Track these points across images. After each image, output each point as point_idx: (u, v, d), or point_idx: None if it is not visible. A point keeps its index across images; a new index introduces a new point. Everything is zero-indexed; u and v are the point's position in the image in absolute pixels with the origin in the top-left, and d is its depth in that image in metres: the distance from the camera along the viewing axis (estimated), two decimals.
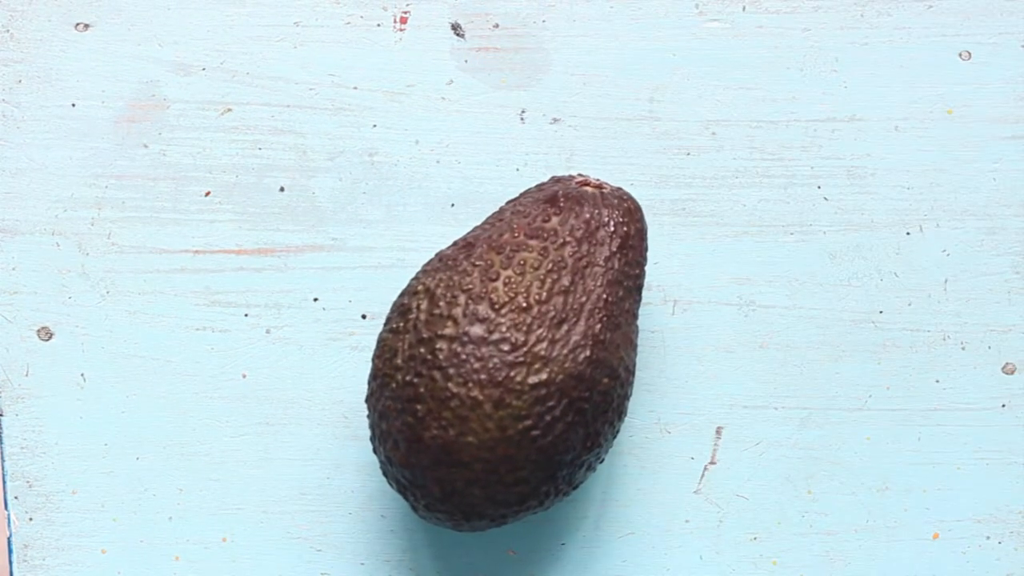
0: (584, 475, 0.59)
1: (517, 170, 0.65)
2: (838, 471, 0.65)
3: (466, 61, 0.66)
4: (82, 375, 0.65)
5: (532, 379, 0.56)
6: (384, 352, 0.58)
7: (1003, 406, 0.65)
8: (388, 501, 0.65)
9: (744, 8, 0.66)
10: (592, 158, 0.65)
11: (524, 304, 0.57)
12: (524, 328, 0.57)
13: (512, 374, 0.56)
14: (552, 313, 0.57)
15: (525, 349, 0.56)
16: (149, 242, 0.65)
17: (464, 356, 0.56)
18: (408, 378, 0.57)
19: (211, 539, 0.64)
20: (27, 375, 0.65)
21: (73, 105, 0.65)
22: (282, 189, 0.65)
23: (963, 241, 0.65)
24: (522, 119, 0.65)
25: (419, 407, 0.57)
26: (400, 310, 0.58)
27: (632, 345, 0.59)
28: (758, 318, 0.65)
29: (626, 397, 0.59)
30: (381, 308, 0.65)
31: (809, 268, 0.65)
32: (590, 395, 0.57)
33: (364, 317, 0.65)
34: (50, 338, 0.65)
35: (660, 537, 0.65)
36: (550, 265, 0.57)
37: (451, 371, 0.56)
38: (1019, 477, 0.65)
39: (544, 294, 0.57)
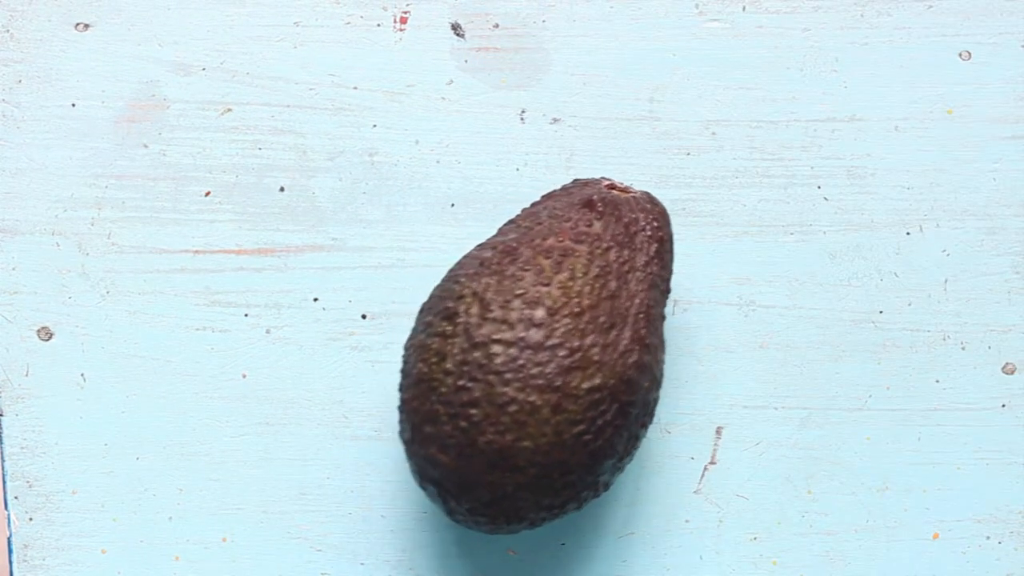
0: (616, 477, 0.59)
1: (517, 170, 0.65)
2: (838, 471, 0.65)
3: (466, 61, 0.66)
4: (82, 375, 0.65)
5: (586, 384, 0.56)
6: (429, 356, 0.58)
7: (1003, 406, 0.65)
8: (388, 501, 0.65)
9: (744, 8, 0.66)
10: (592, 158, 0.65)
11: (577, 309, 0.57)
12: (579, 333, 0.57)
13: (569, 379, 0.56)
14: (602, 318, 0.57)
15: (580, 354, 0.56)
16: (149, 242, 0.65)
17: (522, 361, 0.56)
18: (461, 383, 0.57)
19: (211, 539, 0.64)
20: (27, 375, 0.65)
21: (73, 105, 0.65)
22: (282, 189, 0.65)
23: (963, 241, 0.65)
24: (522, 119, 0.65)
25: (474, 411, 0.56)
26: (445, 314, 0.58)
27: (664, 349, 0.60)
28: (758, 318, 0.65)
29: (657, 400, 0.59)
30: (381, 308, 0.65)
31: (809, 268, 0.65)
32: (635, 399, 0.58)
33: (364, 317, 0.65)
34: (50, 338, 0.65)
35: (660, 537, 0.65)
36: (597, 270, 0.58)
37: (508, 376, 0.56)
38: (1019, 477, 0.65)
39: (595, 299, 0.57)
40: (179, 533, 0.64)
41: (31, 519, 0.64)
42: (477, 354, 0.57)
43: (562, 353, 0.56)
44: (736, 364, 0.65)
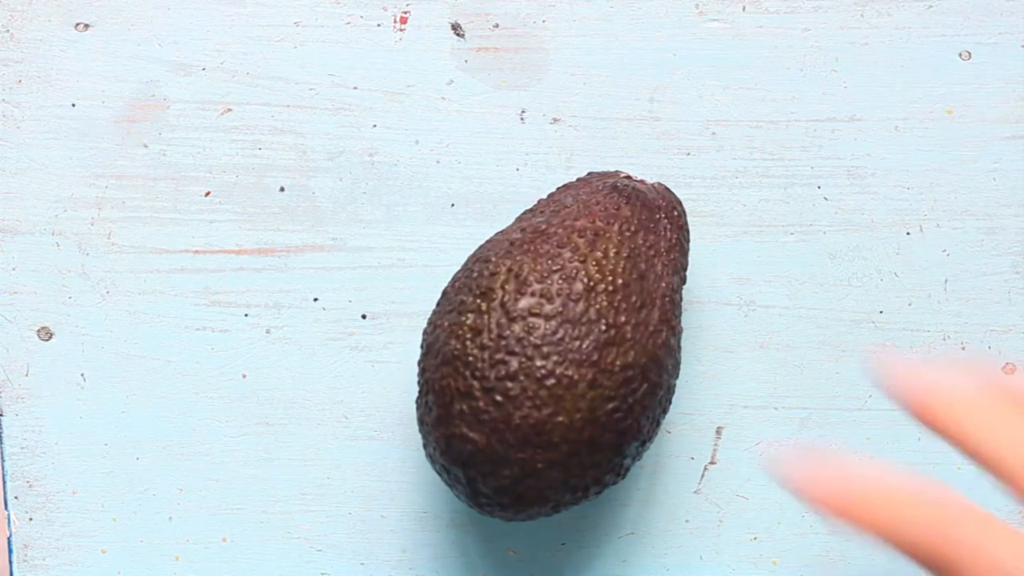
0: (635, 464, 0.60)
1: (517, 170, 0.65)
2: None
3: (466, 61, 0.66)
4: (82, 375, 0.65)
5: (620, 361, 0.57)
6: (464, 332, 0.58)
7: None
8: (388, 501, 0.65)
9: (744, 8, 0.66)
10: (592, 158, 0.65)
11: (612, 287, 0.57)
12: (614, 309, 0.57)
13: (605, 354, 0.57)
14: (633, 297, 0.58)
15: (616, 330, 0.57)
16: (149, 242, 0.65)
17: (561, 334, 0.57)
18: (499, 356, 0.57)
19: (211, 539, 0.64)
20: (27, 375, 0.65)
21: (73, 105, 0.65)
22: (282, 189, 0.65)
23: (963, 241, 0.65)
24: (522, 119, 0.65)
25: (511, 385, 0.56)
26: (479, 291, 0.58)
27: (681, 334, 0.60)
28: (758, 318, 0.65)
29: (674, 390, 0.60)
30: (381, 308, 0.65)
31: (809, 268, 0.65)
32: (661, 381, 0.58)
33: (364, 317, 0.65)
34: (50, 338, 0.65)
35: (660, 537, 0.65)
36: (627, 251, 0.58)
37: (547, 349, 0.56)
38: None
39: (627, 278, 0.58)
40: (179, 533, 0.64)
41: (31, 519, 0.64)
42: (516, 327, 0.57)
43: (602, 327, 0.57)
44: (736, 364, 0.65)
